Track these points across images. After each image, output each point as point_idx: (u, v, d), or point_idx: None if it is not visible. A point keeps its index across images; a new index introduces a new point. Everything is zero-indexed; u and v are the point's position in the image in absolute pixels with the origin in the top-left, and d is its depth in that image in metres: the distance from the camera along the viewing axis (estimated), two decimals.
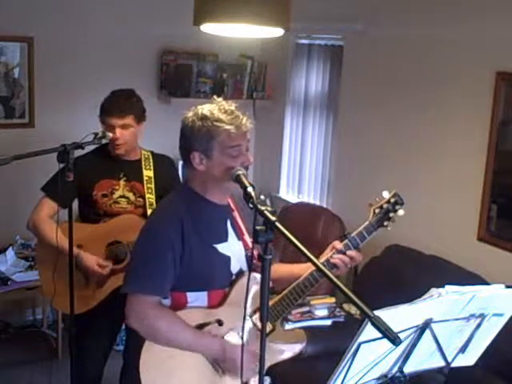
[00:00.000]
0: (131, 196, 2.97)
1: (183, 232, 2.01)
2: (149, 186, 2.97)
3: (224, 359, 2.06)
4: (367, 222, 2.13)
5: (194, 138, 2.02)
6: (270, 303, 2.13)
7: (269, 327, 2.11)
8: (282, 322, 2.21)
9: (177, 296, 2.06)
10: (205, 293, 2.08)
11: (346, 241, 2.12)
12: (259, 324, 2.11)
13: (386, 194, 2.16)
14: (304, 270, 2.17)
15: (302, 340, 2.28)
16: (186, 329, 2.03)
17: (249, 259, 2.16)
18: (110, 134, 2.84)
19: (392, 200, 2.15)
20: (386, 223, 2.14)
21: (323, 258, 2.12)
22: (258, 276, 2.02)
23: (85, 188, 2.91)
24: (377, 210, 2.14)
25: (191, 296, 2.07)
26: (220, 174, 2.02)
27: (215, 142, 2.00)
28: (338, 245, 2.12)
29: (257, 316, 2.13)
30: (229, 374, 2.08)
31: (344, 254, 2.10)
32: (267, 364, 2.14)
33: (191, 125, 2.02)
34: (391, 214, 2.14)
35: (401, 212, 2.15)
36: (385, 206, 2.14)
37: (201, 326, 2.07)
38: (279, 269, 2.26)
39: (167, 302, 2.07)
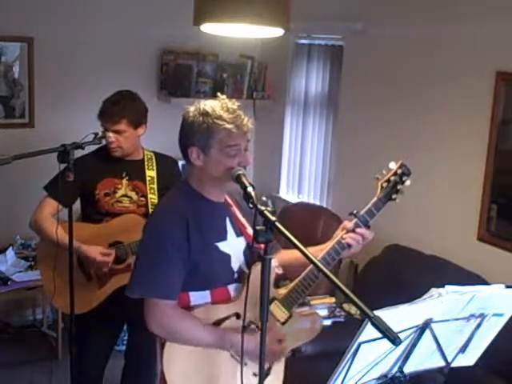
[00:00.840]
0: (134, 195, 2.97)
1: (188, 231, 2.00)
2: (151, 186, 2.98)
3: (244, 352, 2.05)
4: (375, 198, 2.10)
5: (193, 133, 2.01)
6: (285, 290, 2.13)
7: (286, 315, 2.12)
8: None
9: (179, 296, 2.05)
10: (207, 292, 2.08)
11: (356, 219, 2.09)
12: (275, 313, 2.13)
13: (392, 165, 2.13)
14: (313, 253, 2.17)
15: (317, 320, 2.27)
16: (204, 328, 2.03)
17: (247, 255, 2.15)
18: (110, 135, 2.86)
19: (399, 171, 2.11)
20: (394, 196, 2.10)
21: (335, 240, 2.11)
22: (273, 263, 1.98)
23: (87, 187, 2.91)
24: (384, 184, 2.11)
25: (194, 295, 2.07)
26: (218, 173, 2.02)
27: (214, 140, 1.99)
28: (348, 224, 2.10)
29: (274, 303, 2.14)
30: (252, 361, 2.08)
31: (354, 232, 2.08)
32: (291, 347, 2.19)
33: (192, 120, 2.02)
34: (399, 186, 2.10)
35: (408, 182, 2.11)
36: (392, 178, 2.11)
37: (220, 321, 2.07)
38: (285, 255, 2.23)
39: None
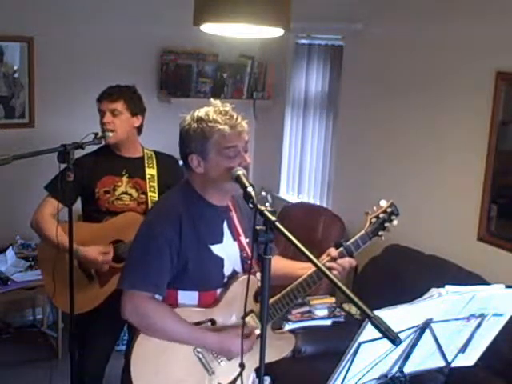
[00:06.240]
0: (134, 192, 2.97)
1: (181, 230, 2.02)
2: (151, 184, 2.98)
3: (220, 351, 2.09)
4: (363, 232, 2.18)
5: (190, 140, 2.03)
6: None
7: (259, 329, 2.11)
8: (276, 324, 2.22)
9: (168, 293, 2.08)
10: (196, 293, 2.10)
11: (341, 248, 2.16)
12: (252, 324, 2.13)
13: (383, 203, 2.21)
14: (299, 269, 2.21)
15: (289, 345, 2.28)
16: (182, 322, 2.05)
17: (244, 260, 2.17)
18: (110, 134, 2.86)
19: (388, 210, 2.20)
20: (380, 233, 2.20)
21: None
22: (258, 276, 2.05)
23: (88, 186, 2.93)
24: (373, 220, 2.19)
25: (182, 294, 2.09)
26: (218, 175, 2.02)
27: (210, 143, 2.00)
28: (333, 252, 2.16)
29: (250, 316, 2.15)
30: (227, 359, 2.11)
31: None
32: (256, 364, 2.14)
33: (187, 128, 2.04)
34: (386, 224, 2.20)
35: (395, 222, 2.20)
36: (381, 215, 2.20)
37: (195, 325, 2.09)
38: (276, 265, 2.25)
39: (158, 297, 2.08)
